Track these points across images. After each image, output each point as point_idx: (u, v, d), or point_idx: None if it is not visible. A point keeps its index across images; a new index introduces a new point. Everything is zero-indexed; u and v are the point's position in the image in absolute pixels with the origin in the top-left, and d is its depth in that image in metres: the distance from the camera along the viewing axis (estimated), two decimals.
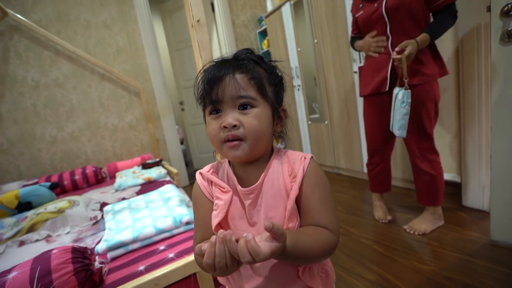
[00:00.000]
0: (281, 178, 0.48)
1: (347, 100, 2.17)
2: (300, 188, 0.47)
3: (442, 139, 1.59)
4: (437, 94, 1.30)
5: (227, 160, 0.53)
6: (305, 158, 0.49)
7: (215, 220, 0.47)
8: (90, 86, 2.50)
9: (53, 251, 0.71)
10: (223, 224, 0.48)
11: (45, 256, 0.69)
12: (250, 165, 0.50)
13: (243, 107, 0.46)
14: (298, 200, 0.47)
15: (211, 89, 0.46)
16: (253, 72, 0.46)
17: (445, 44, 1.47)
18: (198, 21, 0.74)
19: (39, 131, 2.33)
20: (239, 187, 0.49)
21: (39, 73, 2.29)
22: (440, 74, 1.29)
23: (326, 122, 2.45)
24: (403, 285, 1.07)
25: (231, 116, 0.45)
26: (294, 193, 0.46)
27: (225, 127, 0.45)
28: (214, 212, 0.49)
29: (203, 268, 0.44)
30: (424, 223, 1.41)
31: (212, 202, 0.51)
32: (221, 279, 0.54)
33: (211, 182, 0.52)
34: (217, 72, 0.46)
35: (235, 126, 0.45)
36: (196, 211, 0.53)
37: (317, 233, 0.45)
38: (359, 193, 2.01)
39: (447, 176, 1.61)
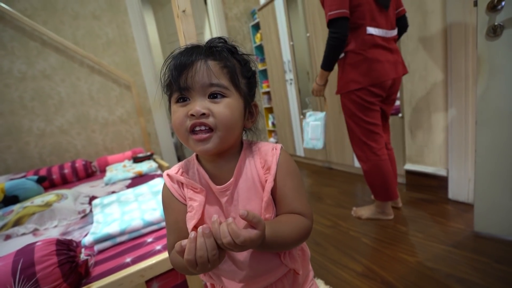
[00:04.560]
0: (254, 170, 0.47)
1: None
2: (274, 179, 0.46)
3: (430, 133, 1.62)
4: (347, 105, 1.38)
5: (195, 157, 0.51)
6: (276, 148, 0.48)
7: (191, 222, 0.45)
8: (79, 79, 2.45)
9: (37, 243, 0.70)
10: (199, 225, 0.45)
11: (28, 248, 0.68)
12: (221, 159, 0.47)
13: (214, 96, 0.42)
14: (272, 191, 0.47)
15: (180, 75, 0.42)
16: (227, 61, 0.44)
17: (434, 39, 1.48)
18: (183, 11, 0.73)
19: (27, 124, 2.28)
20: (213, 185, 0.47)
21: (25, 64, 2.23)
22: (337, 91, 1.42)
23: None
24: (388, 276, 1.09)
25: (200, 104, 0.41)
26: (269, 185, 0.45)
27: (192, 115, 0.41)
28: (189, 214, 0.46)
29: (181, 267, 0.44)
30: (365, 210, 1.56)
31: (183, 204, 0.48)
32: (205, 278, 0.53)
33: (182, 183, 0.48)
34: (188, 57, 0.42)
35: (203, 114, 0.41)
36: (167, 215, 0.50)
37: (293, 220, 0.45)
38: (349, 187, 2.03)
39: (434, 169, 1.64)
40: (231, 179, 0.46)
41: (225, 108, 0.42)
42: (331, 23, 1.21)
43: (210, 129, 0.42)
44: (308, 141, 1.52)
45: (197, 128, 0.42)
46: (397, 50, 1.34)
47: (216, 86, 0.42)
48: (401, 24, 1.40)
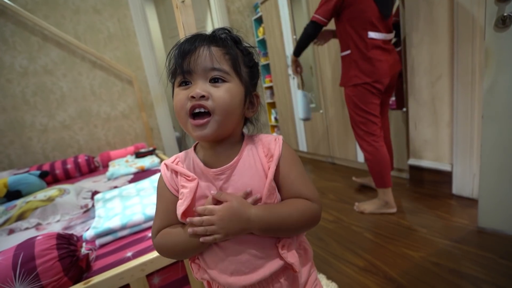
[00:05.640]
0: (257, 159, 0.48)
1: (341, 89, 2.14)
2: (278, 168, 0.47)
3: (434, 127, 1.59)
4: (350, 97, 1.49)
5: (193, 147, 0.52)
6: (278, 139, 0.50)
7: (180, 209, 0.46)
8: (81, 74, 2.44)
9: (38, 238, 0.70)
10: (189, 212, 0.46)
11: (29, 243, 0.68)
12: (220, 147, 0.48)
13: (215, 80, 0.44)
14: (276, 179, 0.48)
15: (183, 60, 0.44)
16: (229, 48, 0.45)
17: (440, 32, 1.45)
18: (182, 1, 0.71)
19: (29, 119, 2.29)
20: (207, 170, 0.48)
21: (27, 60, 2.22)
22: (342, 83, 1.55)
23: (321, 111, 2.44)
24: (391, 271, 1.09)
25: (200, 87, 0.43)
26: (272, 171, 0.46)
27: (192, 97, 0.42)
28: (179, 201, 0.47)
29: (165, 250, 0.49)
30: (368, 205, 1.58)
31: (174, 195, 0.49)
32: (198, 274, 0.52)
33: (176, 172, 0.49)
34: (191, 44, 0.44)
35: (203, 96, 0.42)
36: (158, 201, 0.52)
37: (295, 202, 0.47)
38: (352, 182, 2.01)
39: (438, 164, 1.62)
40: (229, 164, 0.47)
41: (225, 93, 0.43)
42: (311, 22, 1.43)
43: (209, 114, 0.43)
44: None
45: (196, 111, 0.43)
46: (394, 50, 1.48)
47: (217, 70, 0.43)
48: (396, 31, 1.64)
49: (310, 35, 1.48)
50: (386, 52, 1.41)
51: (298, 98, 1.78)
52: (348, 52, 1.45)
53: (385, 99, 1.59)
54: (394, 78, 1.49)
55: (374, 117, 1.46)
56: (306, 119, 1.80)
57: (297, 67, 1.67)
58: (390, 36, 1.45)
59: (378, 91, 1.43)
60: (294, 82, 2.67)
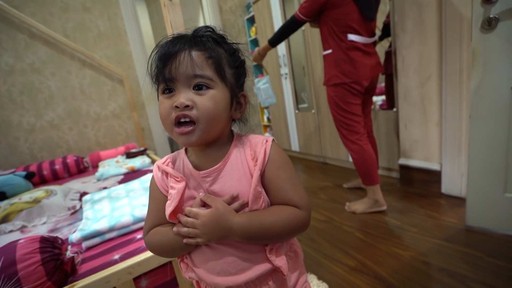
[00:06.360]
0: (245, 162, 0.47)
1: None
2: (266, 171, 0.46)
3: (424, 127, 1.61)
4: (332, 97, 1.51)
5: (184, 149, 0.52)
6: (266, 141, 0.48)
7: (168, 209, 0.46)
8: (70, 73, 2.40)
9: (20, 241, 0.68)
10: (177, 212, 0.47)
11: (10, 246, 0.66)
12: (209, 148, 0.48)
13: (198, 87, 0.42)
14: (264, 183, 0.47)
15: (164, 66, 0.42)
16: (212, 51, 0.43)
17: (429, 33, 1.47)
18: (170, 0, 0.70)
19: (16, 119, 2.23)
20: (195, 171, 0.47)
21: (13, 58, 2.16)
22: (324, 82, 1.55)
23: (313, 111, 2.45)
24: (382, 270, 1.09)
25: (184, 96, 0.42)
26: (255, 175, 0.45)
27: (176, 106, 0.41)
28: (167, 202, 0.47)
29: (156, 248, 0.50)
30: (358, 205, 1.58)
31: (164, 196, 0.49)
32: (187, 274, 0.52)
33: (167, 173, 0.49)
34: (172, 48, 0.42)
35: (187, 106, 0.41)
36: (150, 201, 0.53)
37: (281, 210, 0.45)
38: (344, 182, 2.02)
39: (427, 164, 1.64)
40: (215, 166, 0.47)
41: (209, 101, 0.42)
42: (295, 18, 1.47)
43: (194, 122, 0.42)
44: (264, 101, 1.69)
45: (182, 120, 0.42)
46: (375, 53, 1.51)
47: (200, 77, 0.42)
48: (386, 32, 1.73)
49: (293, 31, 1.53)
50: (367, 54, 1.43)
51: (267, 84, 1.69)
52: (329, 51, 1.47)
53: (367, 99, 1.62)
54: (374, 80, 1.52)
55: (356, 116, 1.48)
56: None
57: (263, 57, 1.68)
58: (372, 39, 1.47)
59: (358, 91, 1.45)
60: (287, 82, 2.68)
